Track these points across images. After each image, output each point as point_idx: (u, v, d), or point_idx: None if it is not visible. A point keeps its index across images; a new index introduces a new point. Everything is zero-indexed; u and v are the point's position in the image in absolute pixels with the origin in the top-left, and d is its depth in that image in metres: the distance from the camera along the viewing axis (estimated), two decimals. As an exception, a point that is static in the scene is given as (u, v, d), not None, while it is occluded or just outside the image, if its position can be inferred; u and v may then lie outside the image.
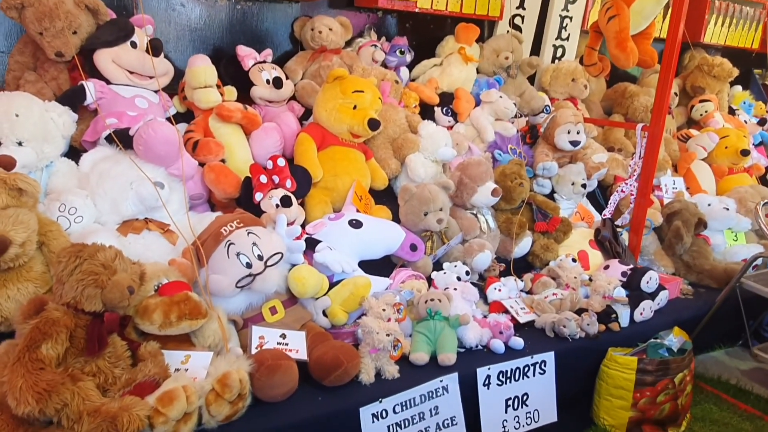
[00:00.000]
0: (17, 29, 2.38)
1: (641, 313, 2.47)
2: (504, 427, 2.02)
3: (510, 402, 2.03)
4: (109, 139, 2.18)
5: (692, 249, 3.14)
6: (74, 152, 2.26)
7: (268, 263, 1.90)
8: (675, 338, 2.38)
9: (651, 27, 3.07)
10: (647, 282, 2.53)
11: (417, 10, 3.18)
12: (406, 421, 1.80)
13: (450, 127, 3.17)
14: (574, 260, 2.72)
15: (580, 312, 2.33)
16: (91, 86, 2.27)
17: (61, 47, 2.24)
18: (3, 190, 1.69)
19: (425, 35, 3.49)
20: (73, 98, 2.24)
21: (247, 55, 2.73)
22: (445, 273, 2.42)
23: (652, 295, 2.54)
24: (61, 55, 2.26)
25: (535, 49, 3.85)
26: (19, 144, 1.99)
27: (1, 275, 1.73)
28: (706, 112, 4.26)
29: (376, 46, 3.16)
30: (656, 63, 3.11)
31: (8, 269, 1.73)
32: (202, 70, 2.43)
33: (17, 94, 2.07)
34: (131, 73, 2.38)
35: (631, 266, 2.67)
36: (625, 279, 2.58)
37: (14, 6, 2.19)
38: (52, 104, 2.13)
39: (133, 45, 2.38)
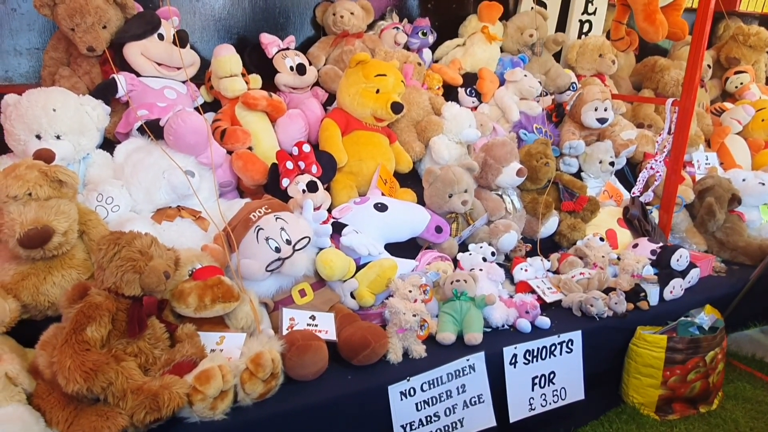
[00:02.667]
0: (50, 26, 2.46)
1: (671, 292, 2.44)
2: (531, 404, 2.04)
3: (536, 380, 2.05)
4: (141, 130, 2.25)
5: (725, 226, 3.07)
6: (108, 144, 2.34)
7: (296, 247, 1.95)
8: (706, 316, 2.36)
9: (681, -3, 2.99)
10: (677, 260, 2.50)
11: (439, -10, 3.16)
12: (434, 399, 1.84)
13: (474, 108, 3.16)
14: (601, 239, 2.70)
15: (608, 291, 2.32)
16: (122, 79, 2.34)
17: (92, 42, 2.31)
18: (44, 182, 1.76)
19: (447, 15, 3.46)
20: (106, 91, 2.32)
21: (270, 42, 2.76)
22: (470, 254, 2.43)
23: (683, 274, 2.51)
24: (93, 50, 2.33)
25: (561, 25, 3.79)
26: (57, 137, 2.06)
27: (46, 263, 1.82)
28: (741, 83, 4.13)
29: (398, 28, 3.15)
30: (687, 35, 3.03)
31: (52, 257, 1.81)
32: (228, 59, 2.48)
33: (54, 90, 2.14)
34: (159, 64, 2.44)
35: (661, 244, 2.64)
36: (654, 257, 2.56)
37: (47, 3, 2.27)
38: (86, 98, 2.20)
39: (161, 37, 2.44)
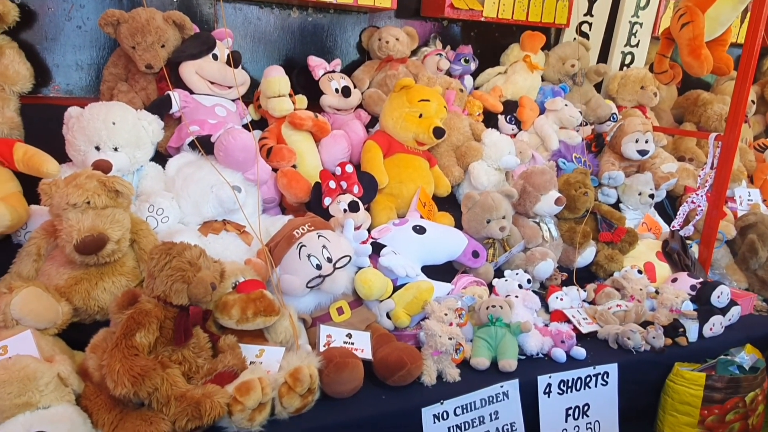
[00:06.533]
0: (110, 43, 2.59)
1: (711, 329, 2.39)
2: (564, 436, 2.02)
3: (570, 411, 2.03)
4: (191, 145, 2.34)
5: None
6: (160, 157, 2.43)
7: (337, 265, 1.99)
8: (747, 356, 2.30)
9: (727, 33, 2.97)
10: (718, 297, 2.45)
11: (483, 18, 3.21)
12: (467, 424, 1.83)
13: (513, 135, 3.18)
14: (639, 272, 2.67)
15: (645, 325, 2.29)
16: (176, 96, 2.43)
17: (151, 60, 2.42)
18: (103, 191, 1.85)
19: (490, 43, 3.52)
20: (161, 107, 2.41)
21: (317, 65, 2.85)
22: (506, 280, 2.43)
23: (723, 311, 2.45)
24: (151, 67, 2.44)
25: (603, 57, 3.79)
26: (115, 149, 2.16)
27: (98, 269, 1.90)
28: (786, 120, 4.06)
29: (441, 54, 3.21)
30: (732, 70, 3.00)
31: (104, 264, 1.89)
32: (277, 80, 2.56)
33: (114, 104, 2.24)
34: (212, 83, 2.54)
35: (701, 280, 2.60)
36: (694, 293, 2.51)
37: (111, 22, 2.39)
38: (143, 113, 2.30)
39: (215, 57, 2.54)
